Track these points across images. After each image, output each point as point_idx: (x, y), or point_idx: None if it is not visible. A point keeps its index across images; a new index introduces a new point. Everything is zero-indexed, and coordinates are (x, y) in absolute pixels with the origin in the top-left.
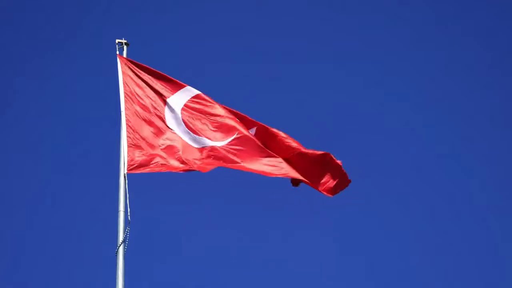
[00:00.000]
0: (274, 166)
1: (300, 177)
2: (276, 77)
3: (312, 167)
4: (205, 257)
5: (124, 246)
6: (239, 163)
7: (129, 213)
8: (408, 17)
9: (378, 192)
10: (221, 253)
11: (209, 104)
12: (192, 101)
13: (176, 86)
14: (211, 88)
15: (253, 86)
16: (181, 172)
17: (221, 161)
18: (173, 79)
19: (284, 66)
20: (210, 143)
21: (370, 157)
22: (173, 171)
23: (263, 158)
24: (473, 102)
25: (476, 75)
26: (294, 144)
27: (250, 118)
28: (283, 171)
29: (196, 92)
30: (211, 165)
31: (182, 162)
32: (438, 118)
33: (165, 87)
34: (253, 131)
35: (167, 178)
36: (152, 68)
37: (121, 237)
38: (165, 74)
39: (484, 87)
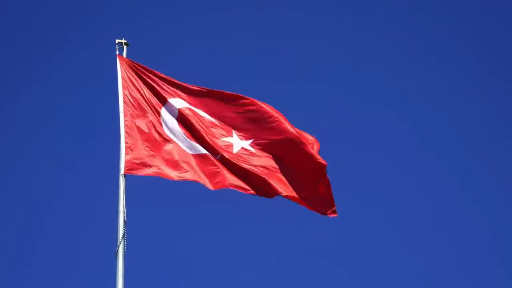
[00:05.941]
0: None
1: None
2: (277, 77)
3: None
4: (206, 257)
5: (124, 246)
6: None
7: (125, 213)
8: (408, 16)
9: (375, 193)
10: (222, 254)
11: (202, 114)
12: (189, 108)
13: (175, 92)
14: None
15: (254, 86)
16: (176, 180)
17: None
18: (174, 83)
19: (285, 65)
20: (203, 150)
21: (368, 156)
22: (167, 178)
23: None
24: (473, 102)
25: (477, 75)
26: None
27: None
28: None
29: (191, 105)
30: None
31: (177, 169)
32: (437, 118)
33: (164, 89)
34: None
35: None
36: (152, 70)
37: (120, 238)
38: (163, 77)
39: (484, 87)
